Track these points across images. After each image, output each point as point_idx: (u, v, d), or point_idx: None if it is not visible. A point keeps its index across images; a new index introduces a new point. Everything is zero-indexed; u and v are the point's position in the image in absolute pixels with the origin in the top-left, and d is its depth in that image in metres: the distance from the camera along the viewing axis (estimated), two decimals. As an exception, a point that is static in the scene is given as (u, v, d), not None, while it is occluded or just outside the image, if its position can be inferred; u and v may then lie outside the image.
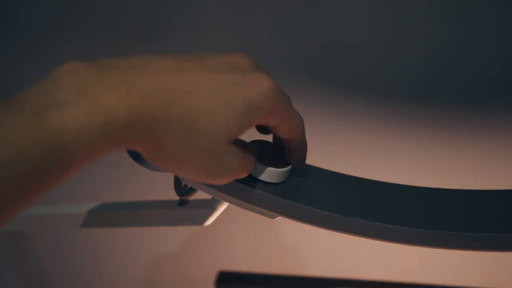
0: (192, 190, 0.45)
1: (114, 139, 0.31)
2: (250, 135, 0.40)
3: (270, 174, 0.41)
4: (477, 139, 0.77)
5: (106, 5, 0.78)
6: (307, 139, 0.42)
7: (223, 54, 0.37)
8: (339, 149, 0.78)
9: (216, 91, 0.33)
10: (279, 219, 0.43)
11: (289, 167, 0.42)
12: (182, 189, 0.45)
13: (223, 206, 0.46)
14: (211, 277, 0.84)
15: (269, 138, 0.43)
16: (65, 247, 0.98)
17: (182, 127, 0.32)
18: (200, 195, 0.44)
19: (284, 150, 0.42)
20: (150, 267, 0.97)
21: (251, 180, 0.41)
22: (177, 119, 0.32)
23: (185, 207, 0.46)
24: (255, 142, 0.43)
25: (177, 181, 0.45)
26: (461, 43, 0.71)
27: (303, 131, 0.40)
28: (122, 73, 0.31)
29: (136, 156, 0.48)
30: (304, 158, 0.42)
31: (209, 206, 0.46)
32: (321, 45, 0.74)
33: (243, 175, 0.38)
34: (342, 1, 0.71)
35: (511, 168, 0.78)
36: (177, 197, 0.46)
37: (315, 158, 0.46)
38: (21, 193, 0.29)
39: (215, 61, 0.35)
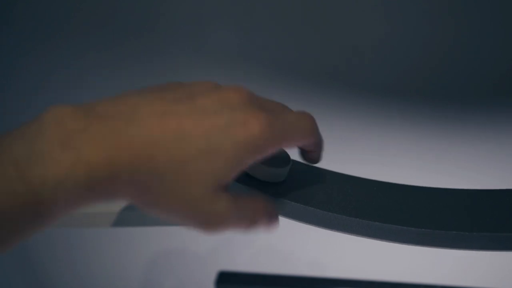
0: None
1: (95, 193, 0.30)
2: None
3: (269, 173, 0.41)
4: (478, 139, 0.77)
5: (107, 4, 0.78)
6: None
7: (216, 91, 0.35)
8: (339, 149, 0.78)
9: (202, 137, 0.32)
10: (280, 218, 0.43)
11: (288, 166, 0.42)
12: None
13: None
14: (211, 277, 0.84)
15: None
16: (64, 247, 0.98)
17: (168, 177, 0.32)
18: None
19: (281, 150, 0.42)
20: (150, 267, 0.97)
21: (250, 180, 0.41)
22: (162, 170, 0.31)
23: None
24: None
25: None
26: (462, 44, 0.71)
27: (315, 134, 0.39)
28: (108, 123, 0.31)
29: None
30: (321, 155, 0.42)
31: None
32: (321, 45, 0.74)
33: (238, 228, 0.36)
34: (342, 1, 0.70)
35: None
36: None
37: (314, 158, 0.46)
38: None
39: (206, 100, 0.34)
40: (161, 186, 0.32)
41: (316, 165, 0.47)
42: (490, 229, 0.40)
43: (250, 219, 0.36)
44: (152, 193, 0.32)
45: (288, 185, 0.42)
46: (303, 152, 0.41)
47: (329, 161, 0.48)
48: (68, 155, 0.29)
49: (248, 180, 0.40)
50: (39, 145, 0.29)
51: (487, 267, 0.82)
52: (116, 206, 0.50)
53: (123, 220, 0.49)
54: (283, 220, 0.43)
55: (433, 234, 0.41)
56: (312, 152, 0.41)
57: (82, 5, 0.79)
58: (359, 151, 0.79)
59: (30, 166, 0.28)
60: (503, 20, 0.69)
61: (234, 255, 0.89)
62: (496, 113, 0.74)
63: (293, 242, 0.87)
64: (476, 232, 0.40)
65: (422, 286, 0.77)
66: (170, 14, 0.76)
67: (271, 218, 0.38)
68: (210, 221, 0.34)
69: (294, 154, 0.42)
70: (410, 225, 0.41)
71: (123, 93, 0.34)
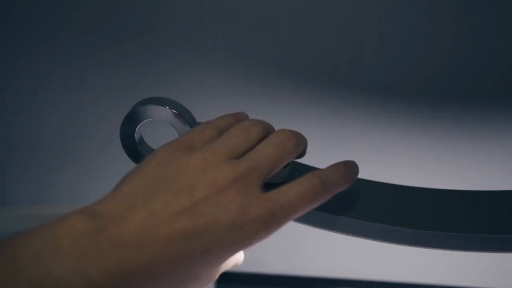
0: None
1: None
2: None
3: (269, 174, 0.41)
4: (478, 139, 0.77)
5: (107, 4, 0.78)
6: (306, 138, 0.42)
7: (216, 185, 0.38)
8: (338, 149, 0.78)
9: (206, 252, 0.37)
10: None
11: (288, 167, 0.42)
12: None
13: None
14: (211, 277, 0.84)
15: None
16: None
17: (174, 277, 0.36)
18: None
19: None
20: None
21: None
22: (156, 276, 0.35)
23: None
24: None
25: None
26: (462, 44, 0.71)
27: (302, 144, 0.43)
28: (119, 250, 0.34)
29: (136, 158, 0.48)
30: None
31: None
32: (321, 45, 0.74)
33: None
34: (341, 1, 0.70)
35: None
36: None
37: (314, 158, 0.46)
38: None
39: (204, 197, 0.37)
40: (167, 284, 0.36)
41: (316, 165, 0.47)
42: (490, 230, 0.40)
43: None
44: None
45: (288, 186, 0.42)
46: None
47: (329, 162, 0.48)
48: (81, 281, 0.32)
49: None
50: (54, 266, 0.31)
51: (487, 267, 0.82)
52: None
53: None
54: (283, 221, 0.43)
55: (433, 235, 0.41)
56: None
57: (82, 5, 0.79)
58: (359, 151, 0.79)
59: None
60: (503, 20, 0.69)
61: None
62: (496, 113, 0.74)
63: (293, 242, 0.86)
64: (476, 234, 0.40)
65: (422, 286, 0.77)
66: (170, 14, 0.76)
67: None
68: (213, 278, 0.40)
69: (294, 154, 0.42)
70: (409, 226, 0.41)
71: (127, 193, 0.37)
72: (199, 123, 0.48)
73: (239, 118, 0.46)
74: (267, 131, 0.43)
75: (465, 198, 0.44)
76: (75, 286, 0.31)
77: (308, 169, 0.45)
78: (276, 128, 0.44)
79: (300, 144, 0.42)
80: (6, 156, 0.94)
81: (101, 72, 0.85)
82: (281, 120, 0.54)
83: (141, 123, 0.49)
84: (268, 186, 0.41)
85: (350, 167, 0.43)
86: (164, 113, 0.47)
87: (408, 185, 0.46)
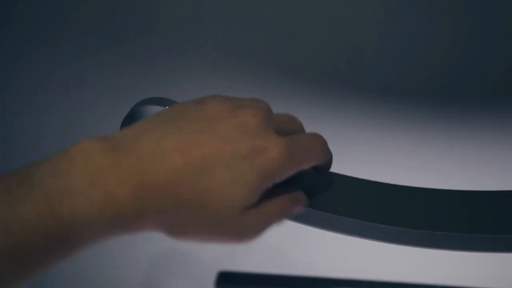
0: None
1: (122, 228, 0.32)
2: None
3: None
4: (478, 139, 0.77)
5: (107, 4, 0.78)
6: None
7: (234, 116, 0.37)
8: (338, 149, 0.78)
9: (225, 166, 0.34)
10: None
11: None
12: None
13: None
14: (211, 277, 0.84)
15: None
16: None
17: (194, 210, 0.33)
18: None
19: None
20: (150, 267, 0.97)
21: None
22: (188, 203, 0.33)
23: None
24: None
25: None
26: (462, 44, 0.71)
27: (327, 155, 0.41)
28: (135, 161, 0.32)
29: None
30: (330, 166, 0.44)
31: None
32: (321, 45, 0.74)
33: (277, 222, 0.39)
34: (342, 1, 0.70)
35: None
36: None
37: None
38: (22, 275, 0.30)
39: (226, 129, 0.36)
40: (188, 217, 0.33)
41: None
42: (490, 230, 0.40)
43: (280, 215, 0.39)
44: (179, 225, 0.34)
45: (288, 186, 0.42)
46: (314, 168, 0.42)
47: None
48: (98, 192, 0.31)
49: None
50: (70, 182, 0.30)
51: (487, 267, 0.82)
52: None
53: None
54: (283, 220, 0.43)
55: (433, 235, 0.41)
56: (323, 167, 0.43)
57: (82, 5, 0.79)
58: (359, 151, 0.79)
59: (61, 201, 0.30)
60: (503, 20, 0.69)
61: (234, 255, 0.89)
62: (496, 113, 0.74)
63: (293, 242, 0.87)
64: (476, 234, 0.40)
65: (422, 286, 0.77)
66: (170, 14, 0.76)
67: (298, 203, 0.41)
68: (242, 236, 0.36)
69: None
70: (410, 226, 0.41)
71: (143, 123, 0.35)
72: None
73: None
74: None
75: (465, 198, 0.44)
76: (91, 196, 0.30)
77: (308, 170, 0.45)
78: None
79: (322, 154, 0.41)
80: (6, 156, 0.94)
81: (101, 72, 0.85)
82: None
83: (141, 123, 0.49)
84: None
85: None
86: (164, 113, 0.47)
87: (408, 185, 0.46)
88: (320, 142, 0.41)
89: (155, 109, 0.48)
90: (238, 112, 0.37)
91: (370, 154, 0.79)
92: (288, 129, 0.39)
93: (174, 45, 0.78)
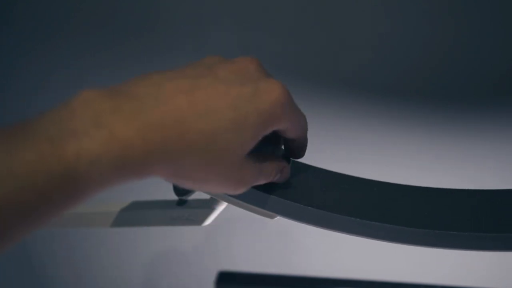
0: (191, 190, 0.45)
1: (129, 171, 0.30)
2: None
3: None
4: (478, 139, 0.77)
5: (107, 4, 0.78)
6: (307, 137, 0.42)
7: (230, 62, 0.36)
8: (339, 148, 0.78)
9: (230, 107, 0.33)
10: (279, 218, 0.43)
11: (288, 166, 0.42)
12: (181, 189, 0.45)
13: (222, 206, 0.46)
14: (211, 277, 0.84)
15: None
16: (64, 247, 0.98)
17: (200, 152, 0.32)
18: (199, 195, 0.44)
19: (281, 149, 0.42)
20: (150, 267, 0.97)
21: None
22: (194, 146, 0.32)
23: (184, 207, 0.46)
24: None
25: (176, 181, 0.44)
26: (462, 44, 0.71)
27: (307, 129, 0.41)
28: (137, 103, 0.31)
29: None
30: (304, 152, 0.43)
31: (208, 206, 0.46)
32: (321, 45, 0.74)
33: (262, 182, 0.39)
34: (342, 1, 0.70)
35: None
36: (176, 197, 0.46)
37: (314, 157, 0.46)
38: (29, 222, 0.28)
39: (225, 71, 0.35)
40: (194, 161, 0.32)
41: (316, 165, 0.47)
42: (490, 229, 0.40)
43: (268, 177, 0.39)
44: (185, 169, 0.32)
45: (288, 185, 0.42)
46: (292, 151, 0.42)
47: (329, 161, 0.48)
48: (102, 133, 0.29)
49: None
50: (72, 124, 0.29)
51: (487, 267, 0.82)
52: (116, 206, 0.50)
53: (123, 220, 0.49)
54: (283, 220, 0.43)
55: (433, 234, 0.41)
56: (301, 149, 0.42)
57: (82, 5, 0.79)
58: (359, 151, 0.79)
59: (64, 143, 0.28)
60: (503, 20, 0.69)
61: (234, 255, 0.89)
62: (496, 113, 0.74)
63: (293, 242, 0.87)
64: (478, 233, 0.40)
65: (422, 286, 0.77)
66: (170, 14, 0.76)
67: (283, 173, 0.41)
68: (239, 186, 0.36)
69: (294, 154, 0.42)
70: (410, 225, 0.41)
71: (142, 75, 0.34)
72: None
73: None
74: None
75: (465, 197, 0.44)
76: (96, 136, 0.29)
77: (308, 168, 0.45)
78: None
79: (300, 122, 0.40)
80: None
81: (101, 72, 0.85)
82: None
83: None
84: (268, 186, 0.41)
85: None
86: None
87: (408, 184, 0.46)
88: (304, 115, 0.40)
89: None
90: (235, 60, 0.37)
91: (370, 154, 0.79)
92: None
93: (174, 45, 0.78)
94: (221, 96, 0.33)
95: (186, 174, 0.33)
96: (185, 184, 0.34)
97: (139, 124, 0.30)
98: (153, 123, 0.31)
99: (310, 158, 0.45)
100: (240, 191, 0.37)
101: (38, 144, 0.28)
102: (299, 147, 0.42)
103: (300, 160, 0.44)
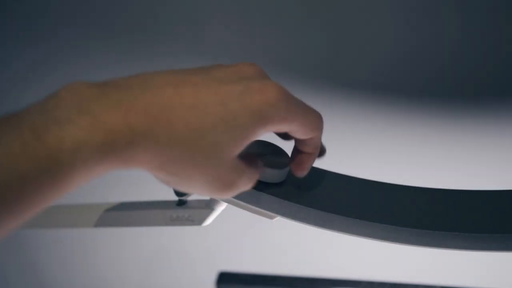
0: (190, 190, 0.45)
1: (114, 158, 0.30)
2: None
3: (268, 174, 0.41)
4: (478, 139, 0.77)
5: (107, 4, 0.78)
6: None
7: (229, 65, 0.35)
8: (339, 149, 0.78)
9: (219, 103, 0.32)
10: (279, 219, 0.43)
11: (288, 167, 0.42)
12: (181, 189, 0.45)
13: (222, 207, 0.46)
14: (211, 277, 0.84)
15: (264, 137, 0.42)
16: (63, 247, 0.98)
17: (186, 146, 0.32)
18: (199, 195, 0.44)
19: (286, 154, 0.42)
20: (150, 267, 0.97)
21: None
22: (181, 137, 0.31)
23: (184, 207, 0.46)
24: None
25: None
26: (462, 44, 0.71)
27: (320, 128, 0.39)
28: (124, 91, 0.31)
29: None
30: (321, 153, 0.42)
31: (208, 207, 0.46)
32: (321, 45, 0.74)
33: (248, 188, 0.37)
34: (342, 1, 0.70)
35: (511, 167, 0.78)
36: (175, 197, 0.46)
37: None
38: (14, 211, 0.28)
39: (221, 72, 0.34)
40: (180, 155, 0.32)
41: (316, 165, 0.47)
42: (490, 229, 0.40)
43: (253, 180, 0.37)
44: (171, 163, 0.32)
45: (287, 186, 0.42)
46: (303, 156, 0.40)
47: (329, 161, 0.48)
48: (85, 119, 0.29)
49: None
50: (56, 111, 0.29)
51: (487, 267, 0.82)
52: (117, 206, 0.50)
53: (123, 220, 0.49)
54: (283, 220, 0.43)
55: (433, 234, 0.41)
56: (311, 156, 0.40)
57: (82, 5, 0.79)
58: (359, 151, 0.79)
59: (47, 129, 0.28)
60: (503, 20, 0.69)
61: (234, 255, 0.89)
62: (496, 113, 0.74)
63: (293, 242, 0.87)
64: (476, 233, 0.40)
65: (422, 286, 0.77)
66: (170, 14, 0.76)
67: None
68: (225, 189, 0.35)
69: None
70: (410, 225, 0.41)
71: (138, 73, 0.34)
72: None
73: None
74: None
75: (465, 198, 0.44)
76: (79, 122, 0.28)
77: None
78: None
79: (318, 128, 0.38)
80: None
81: (101, 72, 0.85)
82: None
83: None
84: (268, 186, 0.41)
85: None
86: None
87: (408, 184, 0.46)
88: (319, 114, 0.38)
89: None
90: (235, 63, 0.36)
91: (370, 154, 0.79)
92: None
93: (174, 45, 0.78)
94: (210, 92, 0.32)
95: (172, 170, 0.32)
96: (171, 182, 0.33)
97: (124, 110, 0.30)
98: (139, 110, 0.30)
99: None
100: (226, 195, 0.35)
101: (22, 132, 0.28)
102: (314, 147, 0.39)
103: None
